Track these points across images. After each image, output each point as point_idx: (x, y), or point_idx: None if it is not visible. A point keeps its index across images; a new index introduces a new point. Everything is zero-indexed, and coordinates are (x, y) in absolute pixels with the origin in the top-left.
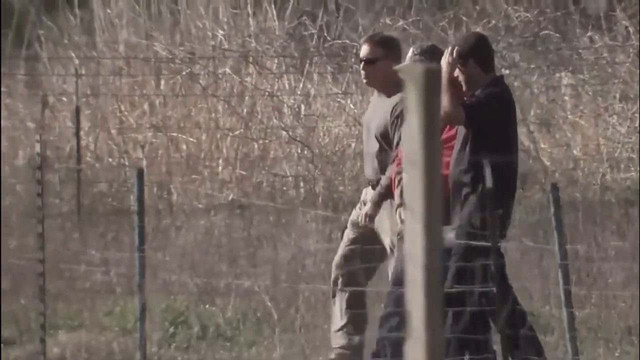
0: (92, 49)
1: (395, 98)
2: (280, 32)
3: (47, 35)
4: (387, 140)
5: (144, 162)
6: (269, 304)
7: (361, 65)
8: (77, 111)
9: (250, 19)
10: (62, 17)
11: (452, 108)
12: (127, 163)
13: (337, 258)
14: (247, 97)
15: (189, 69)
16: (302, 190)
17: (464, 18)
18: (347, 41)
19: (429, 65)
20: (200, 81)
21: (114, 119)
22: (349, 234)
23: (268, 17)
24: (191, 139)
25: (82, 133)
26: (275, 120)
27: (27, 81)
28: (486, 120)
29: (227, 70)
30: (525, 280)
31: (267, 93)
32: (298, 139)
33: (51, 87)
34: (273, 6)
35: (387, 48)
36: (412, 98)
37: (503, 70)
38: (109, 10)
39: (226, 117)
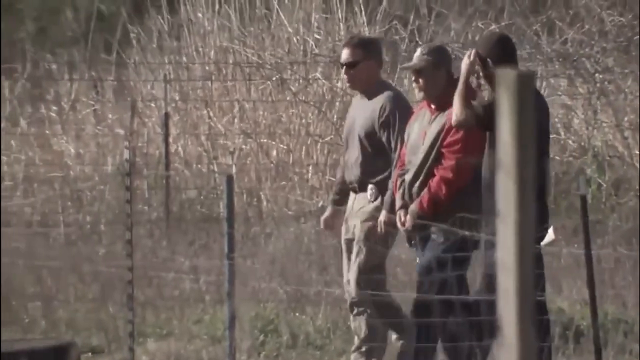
0: (181, 54)
1: (380, 99)
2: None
3: (136, 41)
4: (372, 142)
5: (234, 169)
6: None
7: (342, 71)
8: (166, 117)
9: (341, 24)
10: (151, 22)
11: (461, 111)
12: (216, 169)
13: (346, 281)
14: (337, 103)
15: (280, 74)
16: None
17: (557, 22)
18: None
19: (521, 70)
20: (291, 87)
21: (203, 124)
22: (347, 254)
23: (359, 22)
24: (281, 145)
25: (171, 139)
26: None
27: (116, 87)
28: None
29: (318, 75)
30: (620, 288)
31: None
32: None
33: (140, 93)
34: (363, 10)
35: (366, 50)
36: (504, 103)
37: (597, 75)
38: (199, 14)
39: (317, 123)
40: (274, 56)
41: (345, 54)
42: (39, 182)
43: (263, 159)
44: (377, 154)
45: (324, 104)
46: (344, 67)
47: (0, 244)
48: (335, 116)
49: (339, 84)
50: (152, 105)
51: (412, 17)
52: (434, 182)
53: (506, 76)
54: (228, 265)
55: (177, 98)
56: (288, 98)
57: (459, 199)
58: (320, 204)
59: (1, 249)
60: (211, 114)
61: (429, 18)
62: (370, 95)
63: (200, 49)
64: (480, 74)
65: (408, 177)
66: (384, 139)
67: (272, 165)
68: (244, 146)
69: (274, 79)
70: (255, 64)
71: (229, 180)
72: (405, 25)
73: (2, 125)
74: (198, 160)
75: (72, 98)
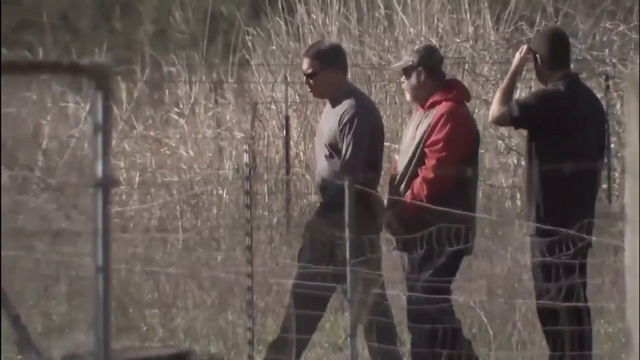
0: (301, 56)
1: (343, 106)
2: (496, 38)
3: (256, 42)
4: (335, 149)
5: None
6: (485, 319)
7: (304, 80)
8: (287, 120)
9: (468, 24)
10: (269, 24)
11: (498, 108)
12: None
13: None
14: None
15: (403, 76)
16: (518, 202)
17: None
18: None
19: None
20: None
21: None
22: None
23: (485, 22)
24: None
25: (291, 142)
26: (491, 130)
27: (236, 89)
28: (536, 120)
29: None
30: None
31: (482, 101)
32: (514, 148)
33: (260, 95)
34: (489, 11)
35: (324, 60)
36: (632, 103)
37: None
38: (313, 15)
39: None
40: (396, 57)
41: (304, 65)
42: (156, 186)
43: (386, 162)
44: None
45: None
46: (305, 77)
47: (109, 250)
48: None
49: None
50: (272, 107)
51: (538, 17)
52: (416, 183)
53: (634, 77)
54: (350, 271)
55: (297, 100)
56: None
57: (444, 202)
58: None
59: (117, 255)
60: None
61: (555, 19)
62: (335, 102)
63: None
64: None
65: (397, 178)
66: (340, 145)
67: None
68: None
69: (396, 81)
70: (376, 65)
71: (350, 185)
72: (531, 25)
73: (119, 128)
74: None
75: (192, 101)
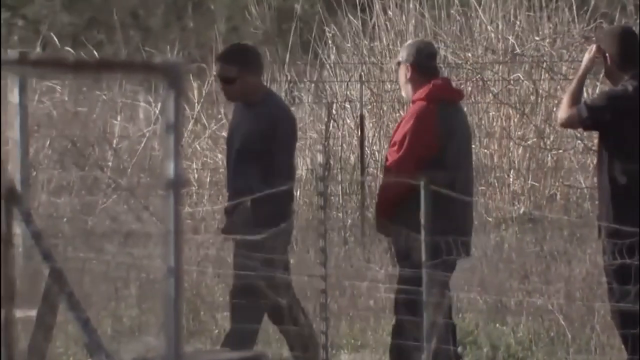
0: (376, 54)
1: (262, 109)
2: (575, 36)
3: (331, 41)
4: (252, 152)
5: None
6: (563, 323)
7: (220, 86)
8: (362, 119)
9: (546, 22)
10: (345, 22)
11: (565, 110)
12: None
13: None
14: (541, 105)
15: (480, 75)
16: (597, 203)
17: None
18: None
19: None
20: (492, 87)
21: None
22: None
23: (564, 20)
24: (482, 149)
25: (367, 142)
26: (570, 130)
27: (311, 88)
28: (604, 121)
29: (520, 75)
30: None
31: (560, 100)
32: (593, 148)
33: (336, 94)
34: (566, 8)
35: (240, 64)
36: None
37: None
38: (390, 12)
39: (518, 125)
40: (473, 56)
41: (218, 69)
42: None
43: None
44: (254, 166)
45: (526, 105)
46: (220, 82)
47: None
48: (538, 118)
49: (543, 85)
50: (347, 106)
51: (617, 14)
52: (380, 185)
53: None
54: (425, 274)
55: (372, 99)
56: (488, 99)
57: (404, 207)
58: (522, 210)
59: (188, 257)
60: None
61: (636, 15)
62: (251, 106)
63: (395, 49)
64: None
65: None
66: (259, 147)
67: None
68: None
69: (473, 79)
70: (453, 64)
71: (426, 184)
72: (611, 22)
73: (190, 127)
74: None
75: None
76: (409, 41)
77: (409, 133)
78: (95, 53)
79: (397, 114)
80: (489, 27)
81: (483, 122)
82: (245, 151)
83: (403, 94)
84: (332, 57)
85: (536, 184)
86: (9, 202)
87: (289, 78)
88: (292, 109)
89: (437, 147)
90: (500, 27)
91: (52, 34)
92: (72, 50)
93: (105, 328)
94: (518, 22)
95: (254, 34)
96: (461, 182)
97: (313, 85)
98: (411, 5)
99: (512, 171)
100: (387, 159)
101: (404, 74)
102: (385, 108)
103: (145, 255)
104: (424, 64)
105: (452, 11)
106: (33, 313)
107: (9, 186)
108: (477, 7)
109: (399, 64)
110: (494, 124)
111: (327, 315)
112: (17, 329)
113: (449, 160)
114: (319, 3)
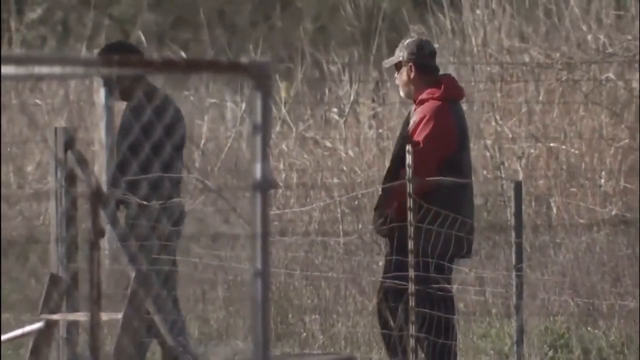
0: (464, 54)
1: (129, 106)
2: None
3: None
4: (119, 150)
5: (521, 175)
6: None
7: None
8: None
9: (636, 21)
10: (432, 21)
11: None
12: (503, 175)
13: None
14: (633, 105)
15: (570, 75)
16: None
17: None
18: None
19: None
20: (582, 87)
21: (488, 128)
22: None
23: None
24: (572, 150)
25: None
26: None
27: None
28: None
29: (611, 75)
30: None
31: None
32: None
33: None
34: None
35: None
36: None
37: None
38: (478, 12)
39: (610, 126)
40: (563, 55)
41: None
42: (316, 188)
43: (552, 164)
44: (130, 163)
45: (617, 105)
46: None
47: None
48: (630, 119)
49: (635, 85)
50: None
51: None
52: (396, 184)
53: None
54: (516, 276)
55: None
56: (578, 100)
57: (428, 204)
58: (613, 212)
59: (276, 259)
60: (497, 116)
61: None
62: (134, 103)
63: (485, 49)
64: None
65: (385, 176)
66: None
67: (562, 170)
68: (532, 150)
69: (563, 79)
70: (543, 64)
71: (517, 186)
72: None
73: (277, 129)
74: (484, 165)
75: (352, 100)
76: (407, 40)
77: (430, 133)
78: (182, 52)
79: (488, 115)
80: (582, 27)
81: (573, 122)
82: (117, 147)
83: (402, 94)
84: None
85: (629, 185)
86: (96, 204)
87: (375, 78)
88: (379, 109)
89: (456, 146)
90: (591, 26)
91: (140, 33)
92: (158, 50)
93: (193, 331)
94: (609, 22)
95: (342, 33)
96: (471, 180)
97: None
98: (500, 5)
99: (603, 172)
100: (393, 161)
101: (406, 73)
102: (474, 109)
103: (232, 257)
104: (426, 62)
105: (537, 12)
106: (119, 316)
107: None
108: (567, 6)
109: (399, 63)
110: (585, 124)
111: (416, 318)
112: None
113: (465, 158)
114: (408, 3)
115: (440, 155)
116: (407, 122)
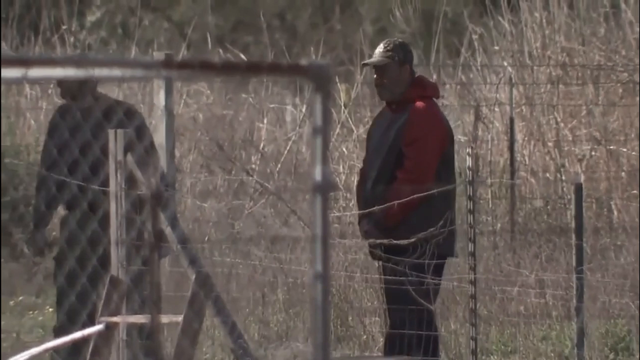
0: (525, 56)
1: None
2: None
3: (480, 43)
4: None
5: (582, 177)
6: None
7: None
8: (512, 122)
9: None
10: (492, 23)
11: None
12: (563, 178)
13: None
14: None
15: (631, 77)
16: None
17: None
18: None
19: None
20: None
21: (549, 130)
22: None
23: None
24: (632, 152)
25: (516, 146)
26: None
27: (460, 91)
28: None
29: None
30: None
31: None
32: None
33: (484, 97)
34: None
35: None
36: None
37: None
38: (536, 14)
39: None
40: (624, 57)
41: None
42: None
43: (613, 166)
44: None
45: None
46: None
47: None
48: None
49: None
50: (496, 109)
51: None
52: (396, 185)
53: None
54: (577, 279)
55: (522, 102)
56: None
57: (428, 205)
58: None
59: (336, 262)
60: (558, 119)
61: None
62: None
63: (544, 51)
64: None
65: (369, 182)
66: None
67: (622, 172)
68: (593, 153)
69: (624, 81)
70: (603, 66)
71: (578, 189)
72: None
73: (337, 131)
74: (544, 168)
75: None
76: (394, 40)
77: (431, 130)
78: (242, 55)
79: (549, 117)
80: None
81: (635, 124)
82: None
83: (384, 95)
84: (480, 59)
85: None
86: (156, 206)
87: (435, 80)
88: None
89: (449, 141)
90: None
91: (207, 33)
92: (218, 53)
93: (253, 333)
94: None
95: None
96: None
97: (460, 87)
98: (559, 6)
99: None
100: (384, 165)
101: (400, 73)
102: (535, 111)
103: (292, 260)
104: (411, 63)
105: (594, 14)
106: (179, 318)
107: (155, 190)
108: (627, 8)
109: (390, 64)
110: None
111: (476, 321)
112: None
113: (453, 153)
114: (469, 6)
115: (440, 150)
116: (386, 125)
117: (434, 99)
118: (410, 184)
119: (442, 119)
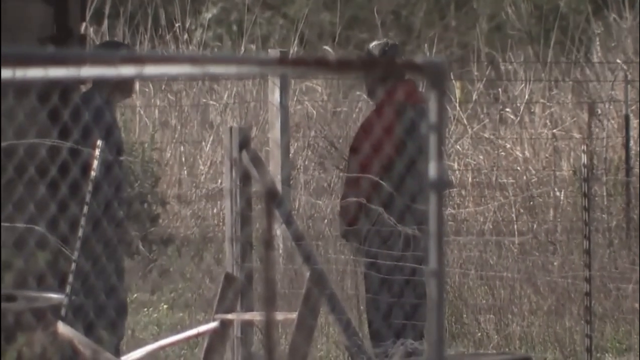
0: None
1: None
2: None
3: (596, 39)
4: None
5: None
6: None
7: None
8: (627, 119)
9: None
10: (610, 19)
11: None
12: None
13: None
14: None
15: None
16: None
17: None
18: None
19: None
20: None
21: None
22: None
23: None
24: None
25: (631, 143)
26: None
27: (575, 88)
28: None
29: None
30: None
31: None
32: None
33: (599, 94)
34: None
35: None
36: None
37: None
38: None
39: None
40: None
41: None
42: (490, 188)
43: None
44: None
45: None
46: None
47: (443, 254)
48: None
49: None
50: (611, 107)
51: None
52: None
53: None
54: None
55: (637, 99)
56: None
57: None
58: None
59: (450, 259)
60: None
61: None
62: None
63: None
64: None
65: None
66: None
67: None
68: None
69: None
70: None
71: None
72: None
73: (452, 128)
74: None
75: (526, 99)
76: (380, 42)
77: (372, 136)
78: (357, 52)
79: None
80: None
81: None
82: None
83: (371, 98)
84: (596, 56)
85: None
86: (270, 203)
87: (551, 77)
88: (554, 108)
89: (398, 150)
90: None
91: (320, 30)
92: (331, 50)
93: (367, 331)
94: None
95: (517, 33)
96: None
97: (575, 85)
98: None
99: None
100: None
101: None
102: None
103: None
104: None
105: None
106: (294, 315)
107: (270, 187)
108: None
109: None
110: None
111: (591, 318)
112: (278, 331)
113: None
114: (585, 2)
115: (381, 156)
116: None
117: (409, 103)
118: (346, 183)
119: (391, 125)
